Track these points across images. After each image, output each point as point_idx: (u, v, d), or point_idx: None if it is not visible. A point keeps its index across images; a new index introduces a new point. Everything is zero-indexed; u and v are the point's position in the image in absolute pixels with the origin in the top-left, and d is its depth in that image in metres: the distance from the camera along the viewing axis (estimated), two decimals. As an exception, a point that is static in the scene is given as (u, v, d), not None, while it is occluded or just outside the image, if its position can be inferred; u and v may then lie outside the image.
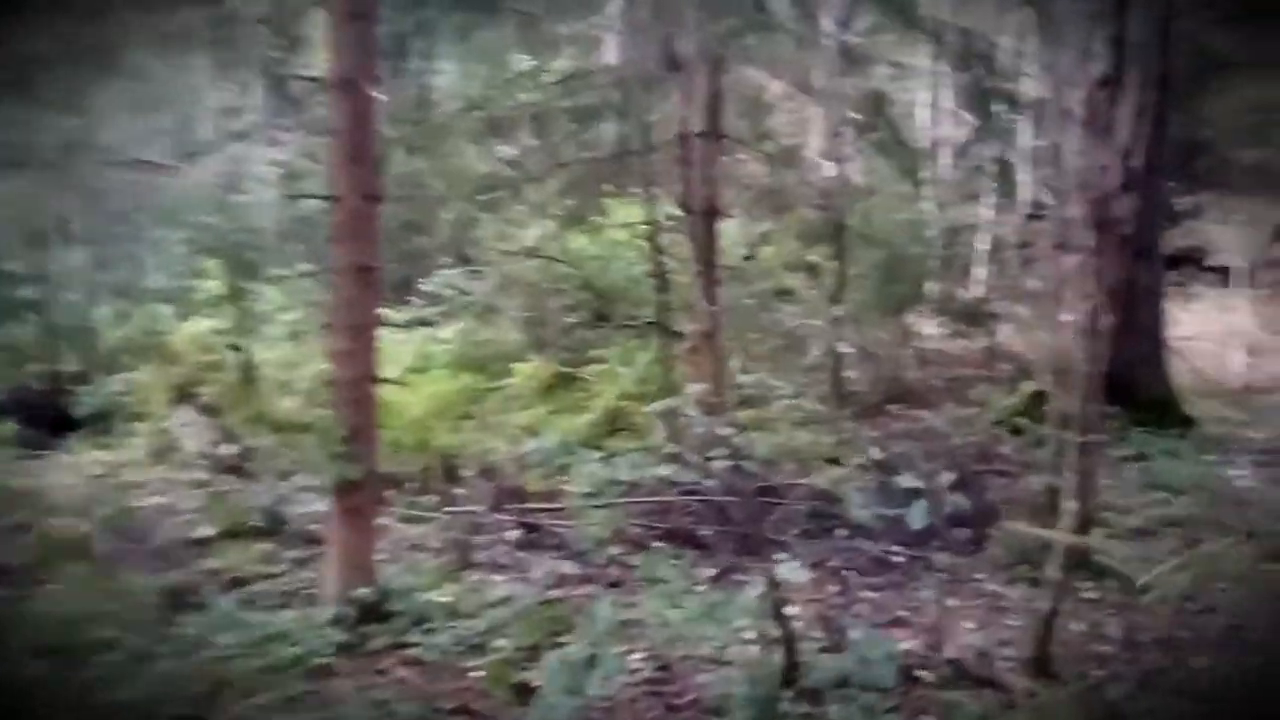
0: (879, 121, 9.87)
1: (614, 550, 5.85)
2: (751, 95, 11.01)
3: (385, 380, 5.21)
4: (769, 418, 9.74)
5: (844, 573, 5.66)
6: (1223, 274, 13.30)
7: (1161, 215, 8.91)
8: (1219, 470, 7.39)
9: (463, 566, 5.85)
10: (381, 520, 6.07)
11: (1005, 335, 11.33)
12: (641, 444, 8.58)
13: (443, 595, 5.20)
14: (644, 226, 8.74)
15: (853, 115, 9.96)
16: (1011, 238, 12.76)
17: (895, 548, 5.81)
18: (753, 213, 10.71)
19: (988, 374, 10.48)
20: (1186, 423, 8.26)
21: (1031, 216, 12.71)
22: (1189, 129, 14.17)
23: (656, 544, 6.07)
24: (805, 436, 8.51)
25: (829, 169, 10.21)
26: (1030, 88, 10.61)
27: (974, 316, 11.23)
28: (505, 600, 5.18)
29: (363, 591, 4.84)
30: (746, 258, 10.58)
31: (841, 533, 6.34)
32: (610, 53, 12.30)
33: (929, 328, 11.62)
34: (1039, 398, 8.79)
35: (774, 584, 3.81)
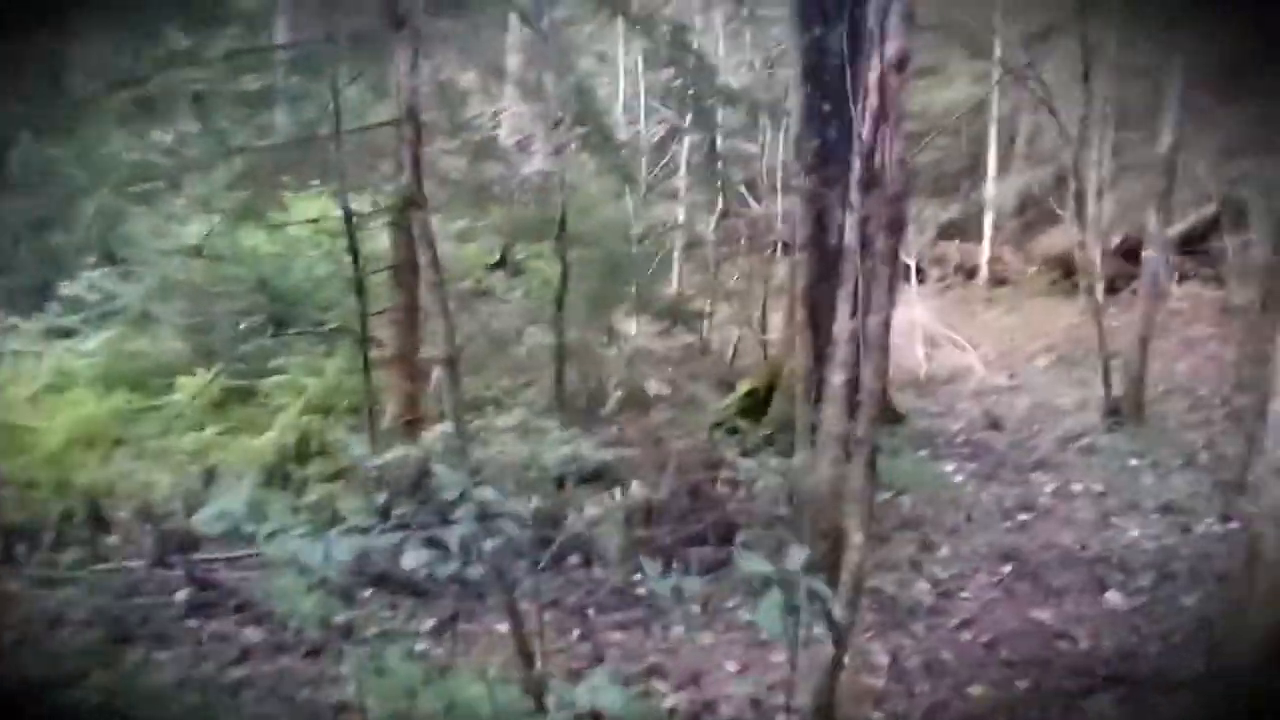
0: (584, 115, 9.33)
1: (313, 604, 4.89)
2: (447, 81, 10.19)
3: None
4: (479, 428, 9.05)
5: (585, 612, 5.05)
6: (903, 270, 13.95)
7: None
8: (933, 466, 7.44)
9: (117, 643, 4.70)
10: (8, 588, 4.82)
11: (709, 333, 11.20)
12: (338, 467, 7.65)
13: (90, 690, 4.07)
14: (332, 222, 7.74)
15: (556, 107, 9.37)
16: (711, 235, 12.68)
17: (635, 576, 5.27)
18: (450, 209, 9.87)
19: (697, 373, 10.26)
20: (897, 418, 8.36)
21: (727, 214, 12.70)
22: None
23: (365, 592, 5.19)
24: (523, 449, 7.85)
25: (535, 163, 9.59)
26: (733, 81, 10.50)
27: (679, 315, 10.99)
28: (175, 687, 4.13)
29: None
30: (497, 264, 9.84)
31: (573, 560, 5.77)
32: (281, 30, 11.02)
33: (634, 326, 11.27)
34: (753, 397, 8.65)
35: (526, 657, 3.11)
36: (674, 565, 5.56)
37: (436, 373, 8.82)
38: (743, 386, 8.75)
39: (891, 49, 3.53)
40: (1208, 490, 6.63)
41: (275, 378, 8.60)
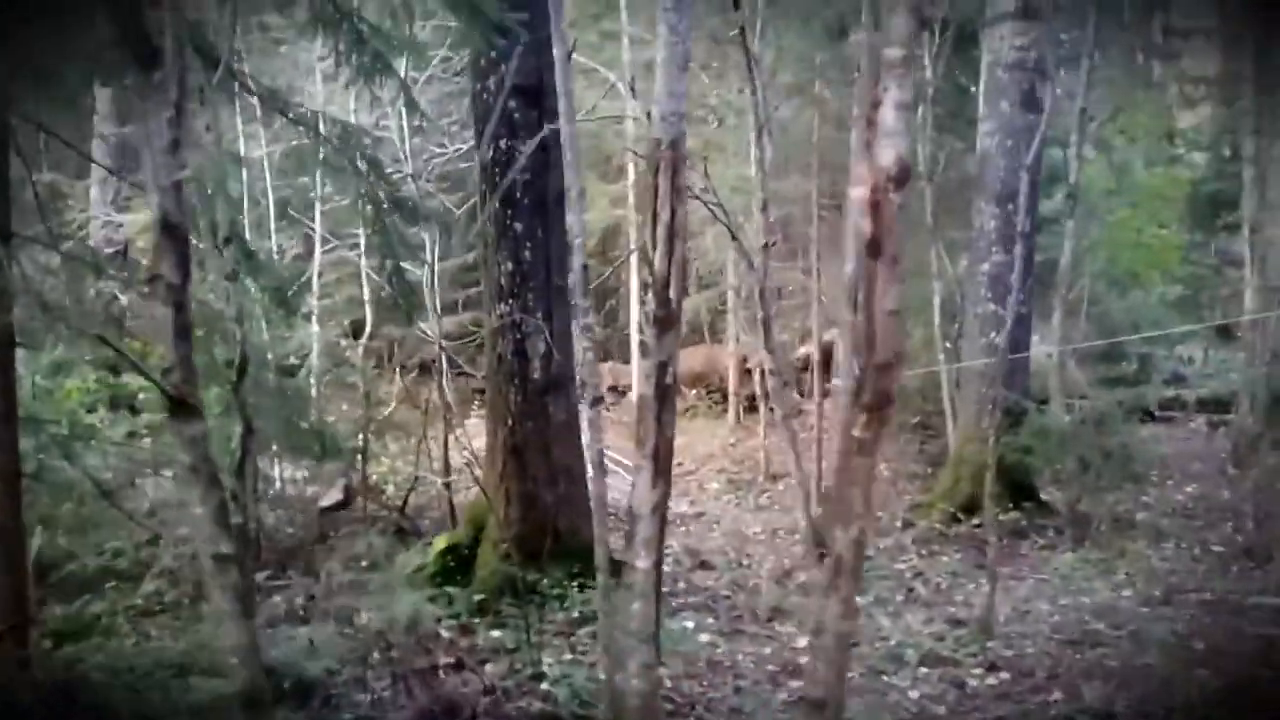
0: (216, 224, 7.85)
1: None
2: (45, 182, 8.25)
3: None
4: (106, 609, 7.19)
5: None
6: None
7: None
8: (674, 624, 6.68)
9: None
10: None
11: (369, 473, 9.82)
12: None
13: None
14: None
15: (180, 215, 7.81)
16: (358, 359, 11.33)
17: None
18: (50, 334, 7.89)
19: (360, 520, 8.87)
20: (617, 569, 7.49)
21: (373, 336, 11.47)
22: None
23: None
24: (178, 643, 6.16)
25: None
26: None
27: (330, 452, 9.52)
28: None
29: None
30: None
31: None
32: None
33: (277, 470, 9.63)
34: (454, 554, 7.46)
35: None
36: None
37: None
38: (439, 542, 7.54)
39: (888, 156, 2.64)
40: (951, 634, 6.45)
41: None
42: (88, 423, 8.91)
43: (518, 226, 7.17)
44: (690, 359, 15.06)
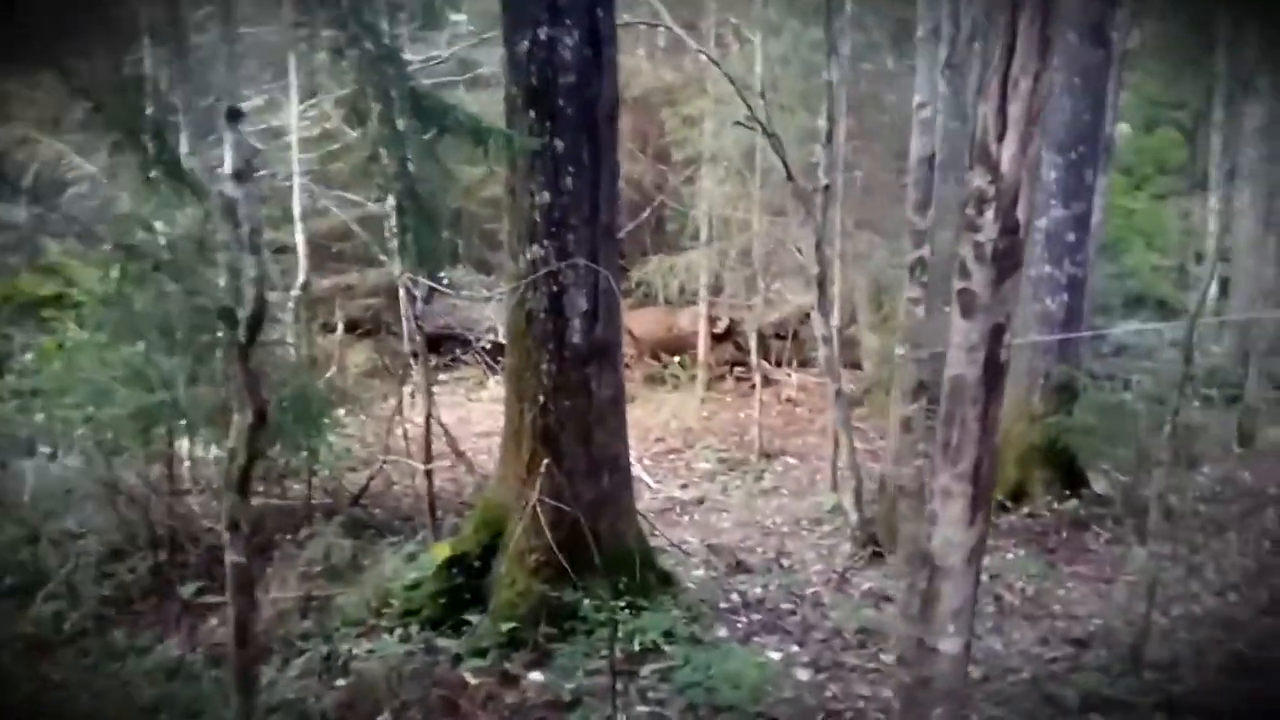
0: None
1: None
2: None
3: None
4: None
5: None
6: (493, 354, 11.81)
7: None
8: (755, 656, 5.29)
9: None
10: None
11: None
12: None
13: None
14: None
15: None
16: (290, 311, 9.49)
17: None
18: None
19: (302, 515, 7.12)
20: (665, 580, 6.03)
21: (308, 285, 9.64)
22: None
23: None
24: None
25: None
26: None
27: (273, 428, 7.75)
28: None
29: None
30: None
31: None
32: None
33: (191, 445, 7.70)
34: (462, 566, 5.82)
35: None
36: None
37: None
38: (440, 550, 5.89)
39: None
40: (1088, 660, 5.31)
41: None
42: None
43: (558, 144, 5.51)
44: (645, 322, 13.56)
